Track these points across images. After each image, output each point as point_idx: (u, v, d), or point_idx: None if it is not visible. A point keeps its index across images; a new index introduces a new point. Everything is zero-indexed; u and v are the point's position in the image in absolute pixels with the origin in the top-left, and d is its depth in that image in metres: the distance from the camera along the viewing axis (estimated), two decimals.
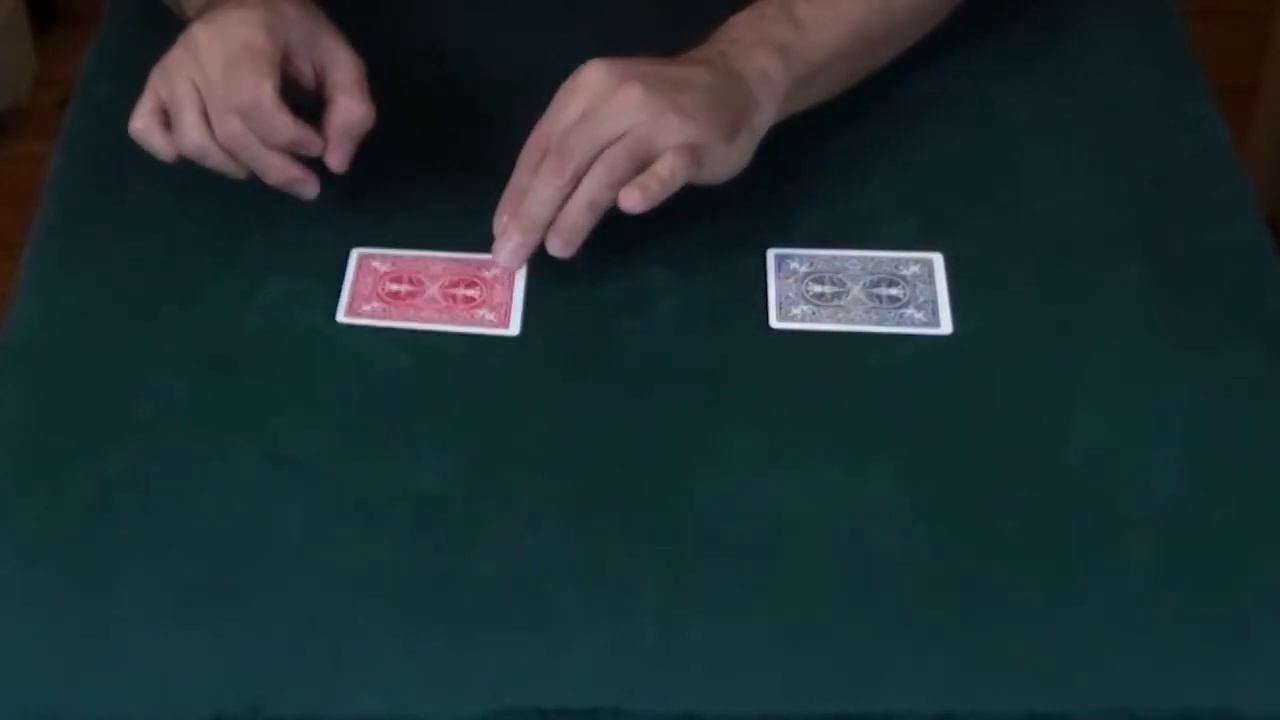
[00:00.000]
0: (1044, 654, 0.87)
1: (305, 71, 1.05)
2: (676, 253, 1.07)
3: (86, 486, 0.94)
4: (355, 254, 1.06)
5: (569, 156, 1.00)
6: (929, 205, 1.09)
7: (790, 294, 1.04)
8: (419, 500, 0.94)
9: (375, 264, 1.05)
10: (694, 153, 1.01)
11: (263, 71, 1.02)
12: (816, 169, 1.12)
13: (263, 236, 1.07)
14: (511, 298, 1.03)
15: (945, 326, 1.02)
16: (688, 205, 1.10)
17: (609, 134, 1.01)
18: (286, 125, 1.02)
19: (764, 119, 1.06)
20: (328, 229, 1.07)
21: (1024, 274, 1.06)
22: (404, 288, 1.04)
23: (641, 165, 1.00)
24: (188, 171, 1.11)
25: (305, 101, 1.05)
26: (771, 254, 1.06)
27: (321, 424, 0.97)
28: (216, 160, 1.03)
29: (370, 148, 1.06)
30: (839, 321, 1.02)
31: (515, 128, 1.09)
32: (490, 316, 1.02)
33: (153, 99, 1.04)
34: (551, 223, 1.01)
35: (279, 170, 1.04)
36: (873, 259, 1.06)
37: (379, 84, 1.06)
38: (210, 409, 0.98)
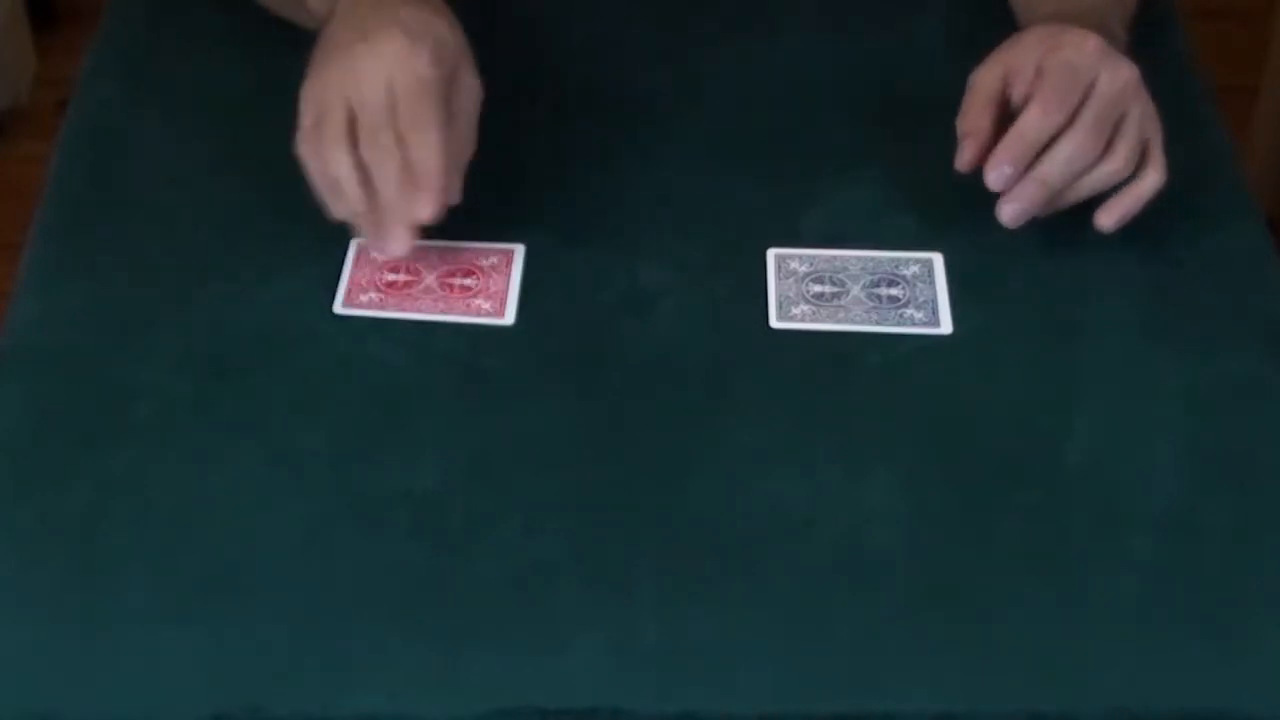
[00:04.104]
0: (1044, 654, 0.87)
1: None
2: (676, 253, 1.07)
3: (86, 487, 0.94)
4: (354, 244, 1.06)
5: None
6: (929, 205, 1.09)
7: (790, 294, 1.04)
8: (419, 500, 0.94)
9: (374, 253, 1.05)
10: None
11: (436, 110, 1.00)
12: (816, 169, 1.12)
13: (263, 236, 1.07)
14: (508, 287, 1.04)
15: (945, 326, 1.02)
16: (688, 205, 1.10)
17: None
18: (440, 171, 1.00)
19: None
20: (328, 229, 1.07)
21: (1024, 274, 1.06)
22: (401, 277, 1.04)
23: None
24: (188, 171, 1.11)
25: None
26: (771, 254, 1.06)
27: (321, 424, 0.97)
28: (345, 175, 1.00)
29: None
30: (839, 321, 1.02)
31: (517, 125, 1.09)
32: (486, 306, 1.03)
33: (308, 118, 1.02)
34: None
35: (400, 221, 1.01)
36: (873, 259, 1.06)
37: None
38: (210, 409, 0.98)
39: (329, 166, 1.01)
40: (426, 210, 1.00)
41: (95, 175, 1.12)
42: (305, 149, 1.02)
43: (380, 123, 1.00)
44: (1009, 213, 1.03)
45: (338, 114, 1.00)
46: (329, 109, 1.01)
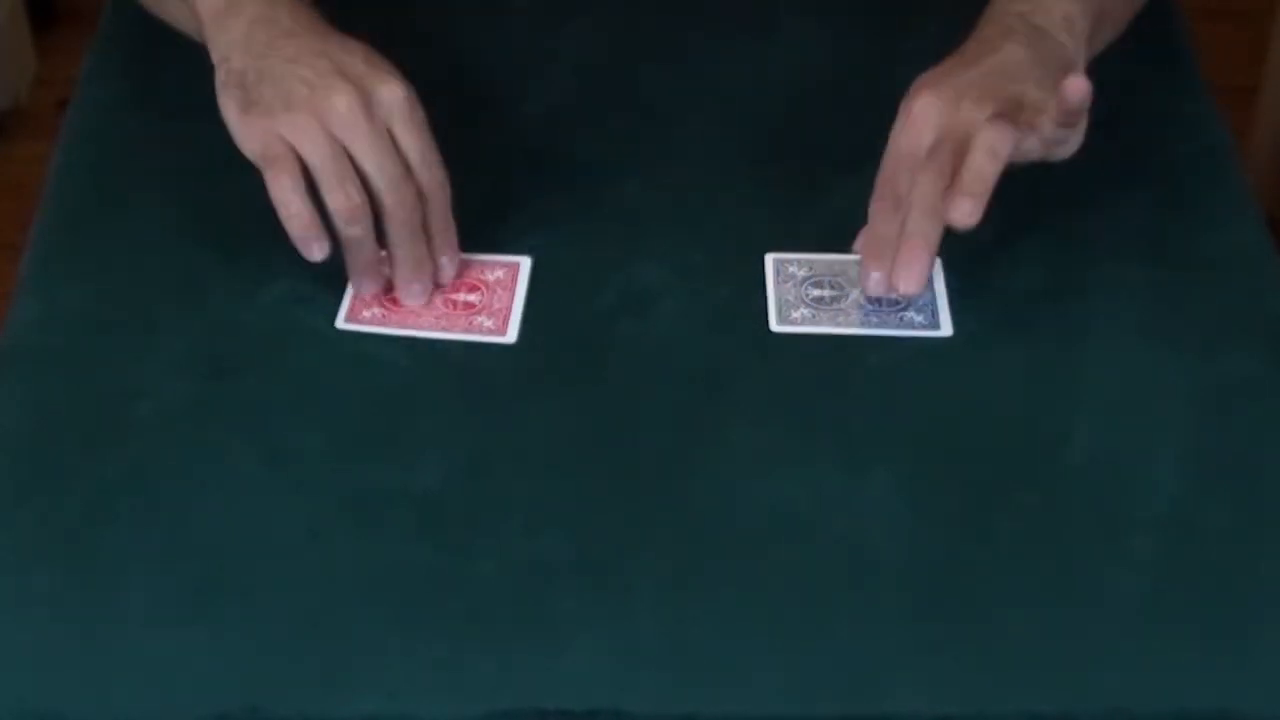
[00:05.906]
0: (1044, 654, 0.87)
1: None
2: (676, 255, 1.07)
3: (87, 487, 0.94)
4: None
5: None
6: None
7: (789, 298, 1.04)
8: (419, 501, 0.94)
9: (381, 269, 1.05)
10: (1009, 124, 0.99)
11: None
12: (816, 172, 1.12)
13: (264, 237, 1.07)
14: (512, 304, 1.03)
15: (945, 329, 1.02)
16: (688, 208, 1.10)
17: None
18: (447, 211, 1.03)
19: (1079, 64, 1.05)
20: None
21: (1024, 274, 1.06)
22: None
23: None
24: (188, 172, 1.11)
25: None
26: (770, 258, 1.06)
27: (322, 425, 0.97)
28: (362, 232, 1.00)
29: None
30: (838, 325, 1.02)
31: (517, 126, 1.09)
32: (489, 324, 1.02)
33: (293, 166, 0.99)
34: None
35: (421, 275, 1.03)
36: None
37: None
38: (210, 410, 0.98)
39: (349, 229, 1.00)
40: (449, 274, 1.03)
41: (95, 175, 1.12)
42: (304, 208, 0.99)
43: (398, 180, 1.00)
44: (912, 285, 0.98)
45: (337, 161, 0.99)
46: (327, 159, 0.99)
